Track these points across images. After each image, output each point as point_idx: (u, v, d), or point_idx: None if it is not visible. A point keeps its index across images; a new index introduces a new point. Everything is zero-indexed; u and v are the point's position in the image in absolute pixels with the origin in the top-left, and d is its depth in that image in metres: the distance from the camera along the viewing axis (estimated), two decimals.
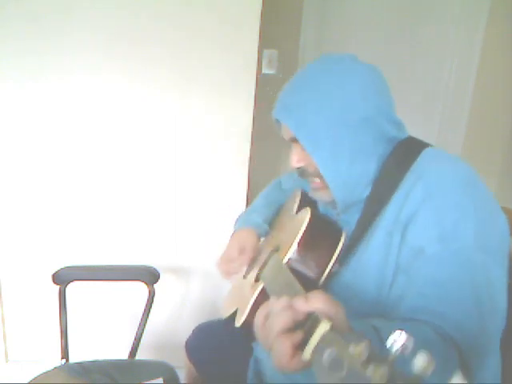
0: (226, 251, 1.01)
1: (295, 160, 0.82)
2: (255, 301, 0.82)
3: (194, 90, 1.41)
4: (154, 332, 1.57)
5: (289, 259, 0.79)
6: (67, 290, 1.19)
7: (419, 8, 2.12)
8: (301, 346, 0.50)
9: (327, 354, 0.43)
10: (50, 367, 1.11)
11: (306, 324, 0.51)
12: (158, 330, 1.62)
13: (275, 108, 0.82)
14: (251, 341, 1.00)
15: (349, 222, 0.83)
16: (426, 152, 0.79)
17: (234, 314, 0.93)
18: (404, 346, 0.41)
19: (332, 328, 0.47)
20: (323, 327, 0.47)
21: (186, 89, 1.41)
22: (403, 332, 0.41)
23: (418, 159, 0.77)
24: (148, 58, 1.38)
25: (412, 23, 2.14)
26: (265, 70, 1.97)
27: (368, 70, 0.79)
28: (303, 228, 0.81)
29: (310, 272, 0.78)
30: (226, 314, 1.00)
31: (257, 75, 1.41)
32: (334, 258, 0.79)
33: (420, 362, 0.39)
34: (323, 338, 0.47)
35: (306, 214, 0.84)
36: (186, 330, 1.21)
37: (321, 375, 0.44)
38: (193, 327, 1.20)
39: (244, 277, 1.03)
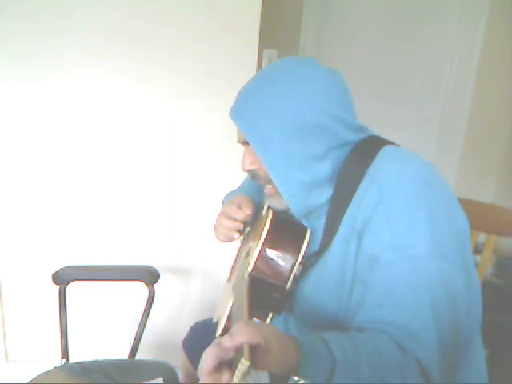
0: (224, 209, 0.94)
1: (247, 163, 0.80)
2: (230, 311, 0.81)
3: (193, 89, 1.41)
4: (153, 332, 1.57)
5: (253, 266, 0.77)
6: (67, 290, 1.19)
7: (419, 8, 2.12)
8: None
9: None
10: (50, 367, 1.11)
11: (235, 361, 0.50)
12: (157, 330, 1.62)
13: (231, 107, 0.81)
14: None
15: (314, 227, 0.80)
16: (382, 152, 0.76)
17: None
18: None
19: (249, 367, 0.47)
20: (242, 366, 0.47)
21: (185, 89, 1.41)
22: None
23: (374, 161, 0.74)
24: (148, 58, 1.38)
25: (412, 23, 2.14)
26: None
27: (326, 74, 0.76)
28: (265, 232, 0.78)
29: (276, 276, 0.76)
30: (215, 318, 1.00)
31: None
32: (300, 258, 0.76)
33: None
34: (242, 378, 0.47)
35: (268, 216, 0.81)
36: (185, 330, 1.21)
37: None
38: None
39: (228, 280, 1.02)
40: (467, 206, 1.17)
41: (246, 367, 0.47)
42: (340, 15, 2.13)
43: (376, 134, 0.82)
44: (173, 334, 1.62)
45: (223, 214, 0.92)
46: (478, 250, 1.30)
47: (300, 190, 0.76)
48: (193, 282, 1.61)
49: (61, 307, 1.18)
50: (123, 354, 1.25)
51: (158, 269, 1.24)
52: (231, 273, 1.03)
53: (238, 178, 1.50)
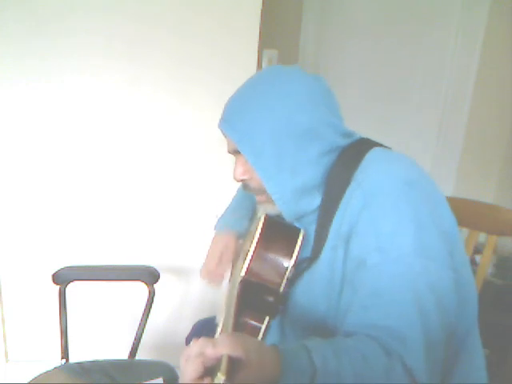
0: (206, 261, 1.01)
1: (239, 172, 0.81)
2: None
3: (193, 89, 1.41)
4: (153, 332, 1.57)
5: (246, 269, 0.77)
6: (67, 290, 1.19)
7: (419, 8, 2.12)
8: None
9: None
10: (50, 367, 1.11)
11: (216, 369, 0.51)
12: (157, 330, 1.62)
13: (220, 118, 0.82)
14: None
15: (308, 232, 0.80)
16: (368, 156, 0.76)
17: None
18: None
19: (225, 380, 0.47)
20: (218, 380, 0.48)
21: (185, 89, 1.41)
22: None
23: (361, 164, 0.75)
24: (147, 58, 1.38)
25: (412, 23, 2.13)
26: None
27: (312, 81, 0.77)
28: (257, 235, 0.78)
29: (270, 279, 0.76)
30: (218, 320, 1.00)
31: None
32: (294, 259, 0.76)
33: None
34: None
35: (261, 220, 0.81)
36: (185, 330, 1.21)
37: None
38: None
39: (229, 280, 1.03)
40: (467, 206, 1.18)
41: (221, 381, 0.47)
42: (340, 15, 2.13)
43: (364, 136, 0.83)
44: (173, 334, 1.62)
45: (206, 269, 1.00)
46: (478, 250, 1.30)
47: (292, 195, 0.76)
48: (193, 282, 1.61)
49: (61, 307, 1.18)
50: (123, 354, 1.25)
51: (157, 269, 1.24)
52: (231, 273, 1.03)
53: None
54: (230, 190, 1.50)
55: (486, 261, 1.14)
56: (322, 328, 0.75)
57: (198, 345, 0.53)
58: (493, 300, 1.76)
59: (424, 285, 0.64)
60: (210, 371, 0.51)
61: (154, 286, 1.22)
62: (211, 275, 1.00)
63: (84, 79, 1.38)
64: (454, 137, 2.27)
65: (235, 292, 0.74)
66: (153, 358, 1.25)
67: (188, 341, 1.18)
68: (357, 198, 0.70)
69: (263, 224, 0.79)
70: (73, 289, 1.20)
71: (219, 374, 0.48)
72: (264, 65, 1.97)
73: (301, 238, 0.78)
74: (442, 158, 2.27)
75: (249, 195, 1.08)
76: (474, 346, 0.78)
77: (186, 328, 1.22)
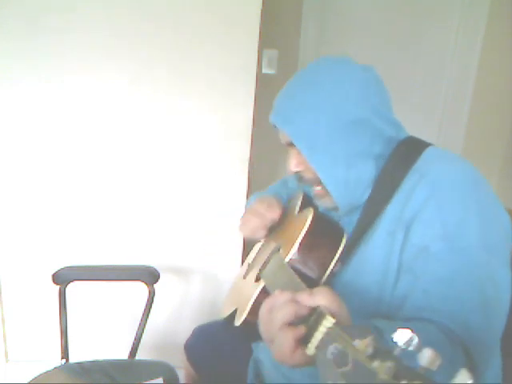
0: (254, 206, 0.95)
1: (293, 164, 0.82)
2: (256, 300, 0.82)
3: (193, 89, 1.41)
4: (153, 332, 1.57)
5: (290, 259, 0.79)
6: (67, 290, 1.18)
7: (419, 8, 2.12)
8: (303, 341, 0.50)
9: (332, 349, 0.43)
10: (50, 367, 1.11)
11: (309, 319, 0.51)
12: (157, 330, 1.62)
13: (272, 113, 0.82)
14: (251, 341, 1.00)
15: (351, 223, 0.82)
16: (428, 151, 0.78)
17: (233, 314, 0.93)
18: (409, 342, 0.41)
19: (336, 323, 0.47)
20: (327, 322, 0.47)
21: (185, 89, 1.41)
22: (407, 329, 0.41)
23: (420, 158, 0.77)
24: (148, 58, 1.38)
25: (412, 23, 2.13)
26: (265, 70, 1.97)
27: (363, 71, 0.79)
28: (305, 228, 0.80)
29: (311, 272, 0.78)
30: (224, 314, 1.00)
31: (257, 75, 1.41)
32: (336, 258, 0.78)
33: (425, 356, 0.39)
34: (327, 334, 0.47)
35: (309, 214, 0.83)
36: (185, 330, 1.21)
37: (325, 370, 0.44)
38: (193, 327, 1.20)
39: (244, 277, 1.03)
40: None
41: (331, 324, 0.47)
42: (340, 15, 2.13)
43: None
44: (173, 334, 1.62)
45: (253, 211, 0.95)
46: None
47: (348, 187, 0.78)
48: (193, 282, 1.60)
49: (61, 307, 1.18)
50: (123, 354, 1.25)
51: (157, 269, 1.24)
52: (247, 270, 1.03)
53: (237, 178, 1.50)
54: (230, 190, 1.51)
55: None
56: (374, 312, 0.75)
57: (286, 294, 0.53)
58: None
59: (486, 277, 0.66)
60: (300, 323, 0.51)
61: (154, 285, 1.22)
62: (256, 221, 0.93)
63: (84, 78, 1.38)
64: (454, 137, 2.27)
65: (287, 269, 0.74)
66: (153, 358, 1.26)
67: (187, 346, 1.16)
68: (422, 187, 0.71)
69: (312, 217, 0.81)
70: (73, 289, 1.20)
71: (327, 318, 0.47)
72: (264, 65, 1.97)
73: (344, 240, 0.80)
74: None
75: (282, 190, 1.08)
76: (496, 350, 0.79)
77: (186, 328, 1.22)
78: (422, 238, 0.70)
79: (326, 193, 0.80)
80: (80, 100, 1.40)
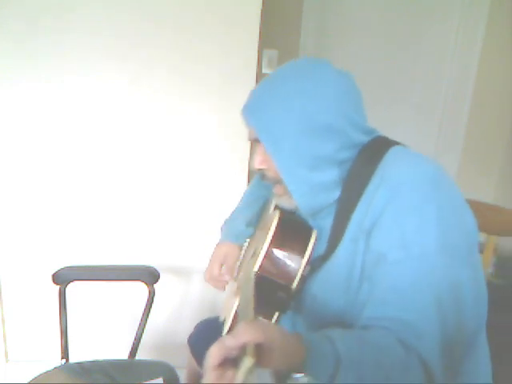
0: (209, 267, 1.05)
1: (257, 161, 0.81)
2: (235, 314, 0.82)
3: (193, 89, 1.41)
4: (153, 332, 1.57)
5: (260, 265, 0.77)
6: (67, 290, 1.19)
7: (419, 8, 2.12)
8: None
9: None
10: (50, 367, 1.11)
11: (238, 358, 0.51)
12: (158, 330, 1.62)
13: (243, 106, 0.82)
14: None
15: (321, 226, 0.81)
16: (390, 152, 0.77)
17: None
18: None
19: (253, 365, 0.47)
20: (246, 364, 0.48)
21: (185, 89, 1.41)
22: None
23: (382, 161, 0.75)
24: (148, 58, 1.38)
25: (412, 23, 2.14)
26: (265, 70, 1.97)
27: (338, 76, 0.77)
28: (271, 232, 0.79)
29: (282, 276, 0.77)
30: (221, 318, 1.00)
31: (257, 75, 1.41)
32: (305, 259, 0.77)
33: None
34: (246, 375, 0.47)
35: (275, 216, 0.82)
36: (186, 330, 1.21)
37: None
38: (193, 327, 1.20)
39: (234, 279, 1.03)
40: None
41: (250, 364, 0.47)
42: (340, 15, 2.13)
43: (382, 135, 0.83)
44: (173, 334, 1.63)
45: (209, 275, 1.04)
46: (478, 250, 1.30)
47: (310, 189, 0.77)
48: (193, 282, 1.61)
49: (61, 307, 1.18)
50: (123, 354, 1.25)
51: (157, 269, 1.24)
52: (237, 272, 1.03)
53: (237, 177, 1.50)
54: (230, 190, 1.50)
55: (486, 261, 1.15)
56: (340, 320, 0.75)
57: (215, 345, 0.53)
58: (493, 300, 1.75)
59: (445, 283, 0.65)
60: (233, 363, 0.51)
61: (154, 286, 1.22)
62: (214, 281, 1.04)
63: (84, 78, 1.38)
64: (454, 137, 2.27)
65: (249, 288, 0.73)
66: (153, 357, 1.26)
67: (190, 341, 1.18)
68: (382, 192, 0.71)
69: (278, 221, 0.80)
70: (73, 289, 1.20)
71: (246, 358, 0.47)
72: (264, 65, 1.97)
73: (313, 237, 0.78)
74: (442, 157, 2.27)
75: (260, 191, 1.08)
76: (482, 345, 0.79)
77: (186, 328, 1.22)
78: (381, 246, 0.69)
79: (286, 192, 0.79)
80: (80, 100, 1.39)
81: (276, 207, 0.86)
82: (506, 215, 1.12)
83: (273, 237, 0.78)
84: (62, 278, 1.18)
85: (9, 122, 1.40)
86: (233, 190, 1.51)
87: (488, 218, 1.15)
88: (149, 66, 1.38)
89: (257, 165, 0.81)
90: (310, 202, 0.78)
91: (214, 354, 0.51)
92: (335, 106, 0.74)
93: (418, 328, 0.62)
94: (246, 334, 0.51)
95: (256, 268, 0.77)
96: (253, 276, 0.75)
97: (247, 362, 0.48)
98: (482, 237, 1.17)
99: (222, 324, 0.96)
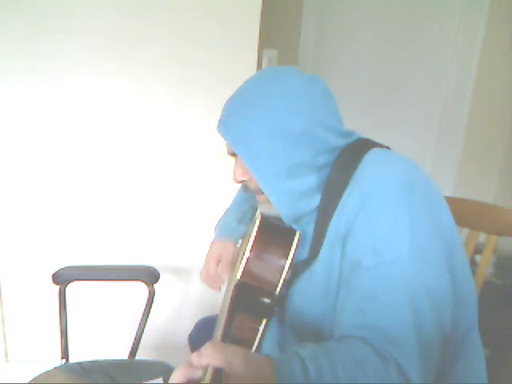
0: (205, 267, 1.04)
1: (238, 174, 0.81)
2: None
3: (193, 90, 1.41)
4: (153, 332, 1.57)
5: (242, 273, 0.77)
6: (67, 290, 1.19)
7: (419, 8, 2.12)
8: None
9: None
10: (50, 367, 1.11)
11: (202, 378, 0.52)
12: (157, 330, 1.62)
13: (218, 122, 0.82)
14: None
15: (304, 232, 0.80)
16: (367, 155, 0.76)
17: None
18: None
19: None
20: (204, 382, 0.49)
21: (185, 89, 1.41)
22: None
23: (360, 165, 0.74)
24: (148, 58, 1.38)
25: (412, 23, 2.14)
26: None
27: (308, 81, 0.76)
28: (252, 238, 0.78)
29: (265, 281, 0.76)
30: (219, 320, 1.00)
31: None
32: (289, 260, 0.76)
33: None
34: None
35: (256, 222, 0.81)
36: (186, 330, 1.21)
37: None
38: (193, 327, 1.20)
39: (228, 284, 1.03)
40: (467, 206, 1.18)
41: None
42: (340, 15, 2.13)
43: (363, 136, 0.83)
44: (173, 334, 1.63)
45: (205, 274, 1.03)
46: (478, 250, 1.30)
47: (290, 197, 0.76)
48: (193, 282, 1.61)
49: (61, 307, 1.18)
50: (123, 354, 1.25)
51: (157, 269, 1.24)
52: (232, 273, 1.03)
53: None
54: (230, 190, 1.50)
55: (485, 261, 1.14)
56: (320, 328, 0.75)
57: (181, 366, 0.54)
58: (493, 300, 1.76)
59: (419, 288, 0.64)
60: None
61: (154, 286, 1.22)
62: (210, 279, 1.03)
63: (84, 79, 1.38)
64: (454, 137, 2.27)
65: (229, 296, 0.74)
66: (153, 358, 1.26)
67: (191, 339, 1.18)
68: (354, 198, 0.70)
69: (259, 226, 0.79)
70: (73, 289, 1.20)
71: (203, 381, 0.49)
72: (264, 65, 1.97)
73: (296, 239, 0.77)
74: (442, 158, 2.27)
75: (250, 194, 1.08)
76: (474, 346, 0.78)
77: (186, 328, 1.22)
78: (355, 252, 0.68)
79: (266, 200, 0.79)
80: (80, 101, 1.40)
81: (259, 213, 0.86)
82: (506, 215, 1.12)
83: (253, 243, 0.77)
84: (62, 278, 1.18)
85: (9, 123, 1.40)
86: (233, 190, 1.51)
87: (488, 218, 1.14)
88: (149, 66, 1.38)
89: (238, 177, 0.81)
90: (292, 210, 0.78)
91: (179, 374, 0.53)
92: (306, 111, 0.73)
93: (393, 335, 0.61)
94: (208, 357, 0.52)
95: (238, 275, 0.77)
96: (232, 287, 0.75)
97: (204, 381, 0.49)
98: (482, 237, 1.17)
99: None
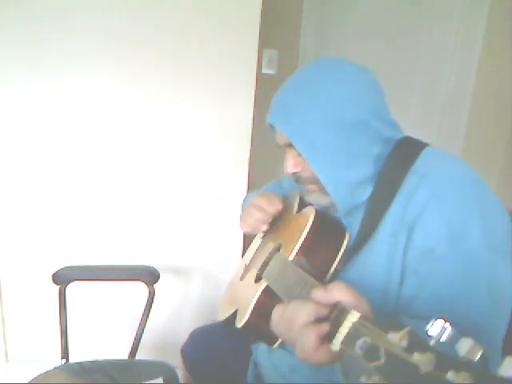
0: (255, 201, 0.94)
1: (291, 166, 0.81)
2: (258, 300, 0.81)
3: (194, 90, 1.41)
4: (153, 332, 1.57)
5: (293, 258, 0.79)
6: (67, 290, 1.19)
7: (419, 8, 2.12)
8: (327, 338, 0.50)
9: (360, 344, 0.43)
10: (50, 367, 1.11)
11: (330, 315, 0.51)
12: (157, 330, 1.62)
13: (269, 113, 0.82)
14: (251, 342, 1.00)
15: (351, 223, 0.82)
16: (426, 152, 0.78)
17: (231, 316, 0.92)
18: (441, 333, 0.40)
19: (361, 317, 0.46)
20: (352, 317, 0.47)
21: (186, 89, 1.41)
22: (440, 319, 0.40)
23: (418, 159, 0.77)
24: (148, 58, 1.38)
25: (412, 23, 2.14)
26: (265, 70, 1.97)
27: (360, 72, 0.78)
28: (308, 227, 0.80)
29: (313, 271, 0.77)
30: (222, 317, 0.99)
31: (257, 75, 1.41)
32: (339, 257, 0.78)
33: (465, 346, 0.38)
34: (354, 328, 0.46)
35: (311, 213, 0.83)
36: (185, 330, 1.21)
37: (354, 366, 0.43)
38: (193, 327, 1.20)
39: (241, 279, 1.02)
40: None
41: (357, 318, 0.46)
42: (340, 15, 2.13)
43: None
44: (173, 334, 1.62)
45: (254, 206, 0.94)
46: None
47: (347, 187, 0.77)
48: (193, 282, 1.61)
49: (61, 307, 1.18)
50: (123, 354, 1.25)
51: (157, 269, 1.24)
52: (244, 272, 1.02)
53: (237, 178, 1.50)
54: (230, 190, 1.51)
55: None
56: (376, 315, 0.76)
57: (305, 304, 0.53)
58: None
59: (493, 278, 0.66)
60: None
61: (154, 286, 1.22)
62: (253, 226, 0.94)
63: (84, 80, 1.38)
64: (454, 137, 2.27)
65: (290, 270, 0.75)
66: (153, 358, 1.26)
67: (184, 351, 1.14)
68: (424, 188, 0.71)
69: (314, 218, 0.81)
70: (73, 289, 1.20)
71: (352, 313, 0.47)
72: (264, 65, 1.97)
73: (346, 238, 0.80)
74: None
75: (275, 190, 1.08)
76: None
77: (186, 328, 1.22)
78: (426, 240, 0.69)
79: (320, 189, 0.80)
80: (80, 101, 1.39)
81: (310, 205, 0.87)
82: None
83: (309, 231, 0.79)
84: (62, 278, 1.18)
85: (9, 123, 1.40)
86: (233, 190, 1.51)
87: None
88: (149, 66, 1.38)
89: (291, 169, 0.81)
90: (348, 200, 0.79)
91: (307, 311, 0.52)
92: (361, 101, 0.75)
93: (473, 320, 0.62)
94: (341, 293, 0.52)
95: (291, 257, 0.78)
96: (291, 262, 0.77)
97: (353, 316, 0.47)
98: None
99: (223, 323, 0.96)
